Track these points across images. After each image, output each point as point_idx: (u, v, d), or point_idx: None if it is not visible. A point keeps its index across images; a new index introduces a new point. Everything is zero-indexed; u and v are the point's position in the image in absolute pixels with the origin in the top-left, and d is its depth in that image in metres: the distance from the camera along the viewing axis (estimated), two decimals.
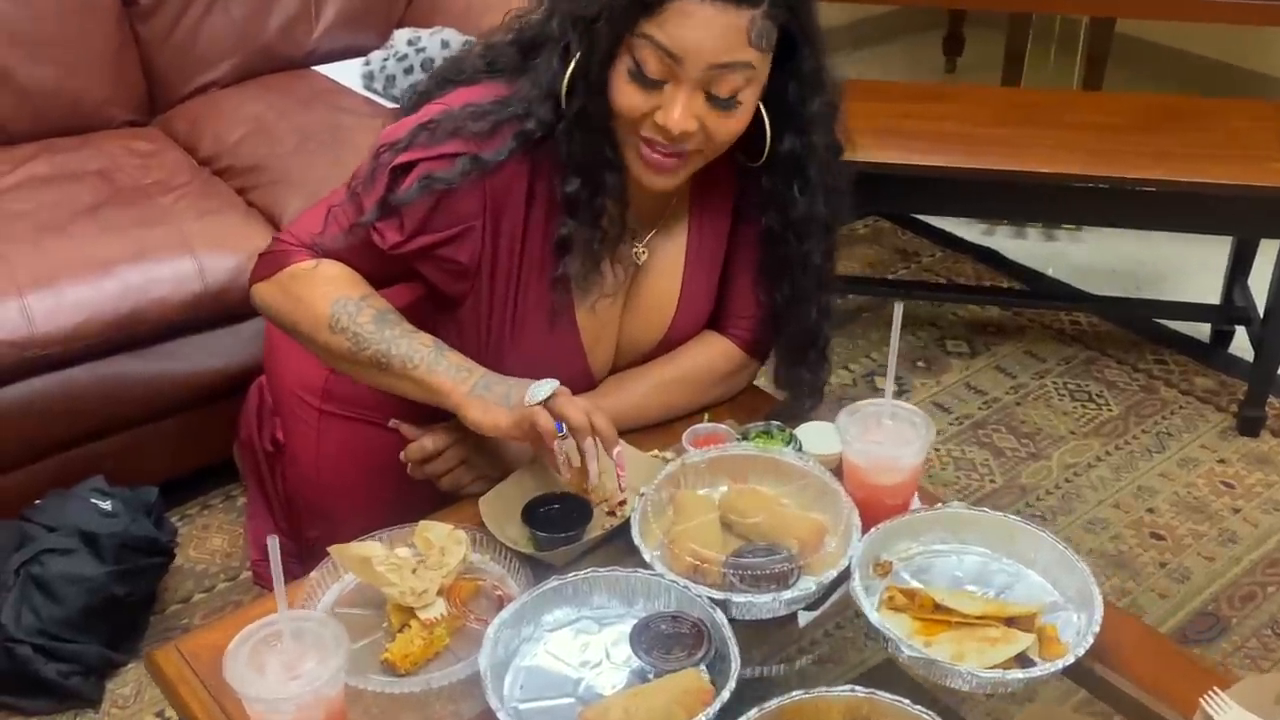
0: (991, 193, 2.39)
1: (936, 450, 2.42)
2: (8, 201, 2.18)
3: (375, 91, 2.58)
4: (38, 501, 1.97)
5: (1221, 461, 2.39)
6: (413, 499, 1.49)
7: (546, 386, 1.29)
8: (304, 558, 1.93)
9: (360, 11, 2.78)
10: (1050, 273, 3.07)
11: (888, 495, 1.34)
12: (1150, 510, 2.27)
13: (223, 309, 2.11)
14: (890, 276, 3.03)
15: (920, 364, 2.69)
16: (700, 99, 1.27)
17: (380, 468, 1.60)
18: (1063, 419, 2.51)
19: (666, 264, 1.50)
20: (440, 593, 1.23)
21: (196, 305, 2.08)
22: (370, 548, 1.25)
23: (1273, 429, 2.46)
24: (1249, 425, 2.44)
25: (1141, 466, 2.38)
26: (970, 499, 2.30)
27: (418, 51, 2.54)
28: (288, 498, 1.91)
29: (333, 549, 1.27)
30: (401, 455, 1.46)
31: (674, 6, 1.22)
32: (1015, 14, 3.10)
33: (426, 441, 1.44)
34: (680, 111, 1.26)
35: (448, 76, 1.45)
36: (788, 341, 1.54)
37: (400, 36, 2.61)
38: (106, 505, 1.97)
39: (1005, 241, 3.17)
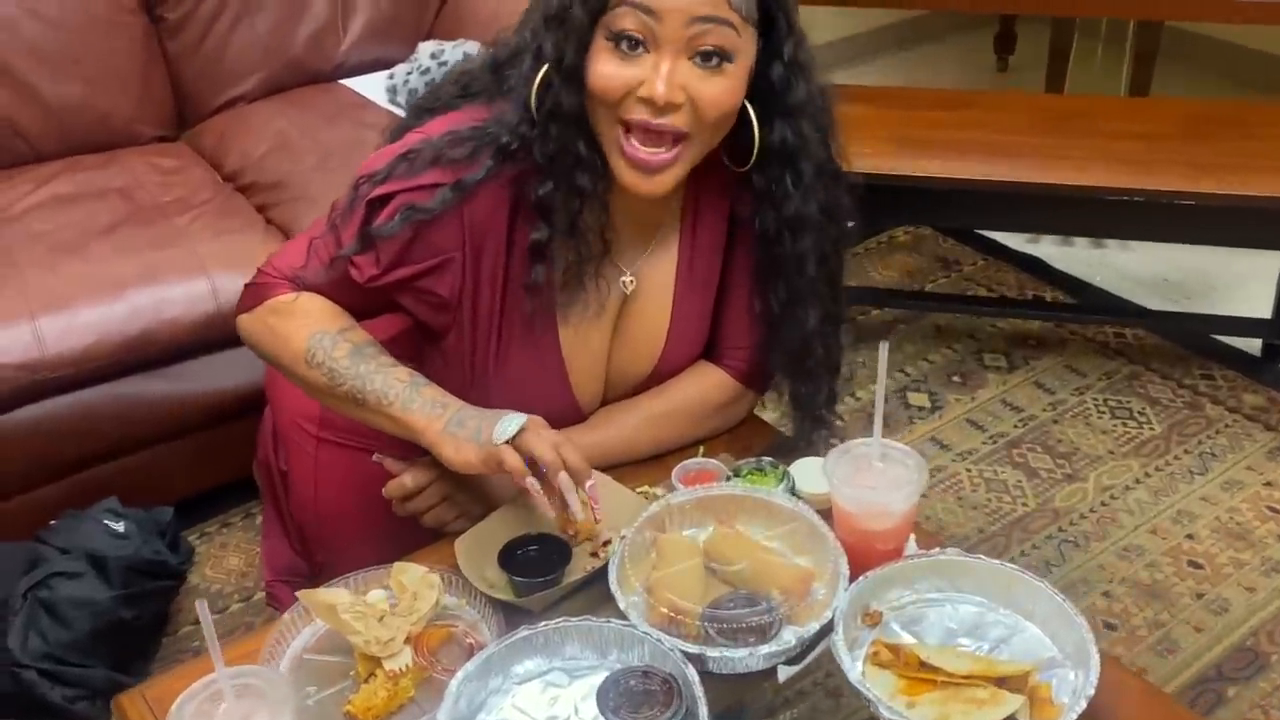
0: (1023, 206, 2.31)
1: (968, 471, 2.35)
2: (29, 221, 2.20)
3: (399, 105, 2.57)
4: (52, 522, 1.98)
5: (1268, 484, 2.28)
6: (412, 527, 1.46)
7: (513, 423, 1.26)
8: (316, 581, 1.92)
9: (388, 23, 2.77)
10: (1098, 282, 2.96)
11: (879, 541, 1.28)
12: (1189, 536, 2.17)
13: (236, 329, 2.10)
14: (928, 287, 2.94)
15: (955, 379, 2.61)
16: (684, 65, 1.22)
17: (378, 496, 1.58)
18: (1101, 438, 2.42)
19: (655, 294, 1.45)
20: (408, 641, 1.20)
21: (209, 326, 2.07)
22: (336, 594, 1.22)
23: None
24: None
25: (1182, 489, 2.28)
26: (1001, 522, 2.22)
27: (440, 65, 2.51)
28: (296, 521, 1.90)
29: (301, 594, 1.24)
30: (384, 492, 1.43)
31: None
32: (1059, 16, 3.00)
33: (406, 479, 1.41)
34: (664, 78, 1.21)
35: (424, 106, 1.42)
36: (785, 352, 1.48)
37: (424, 49, 2.59)
38: (119, 527, 1.97)
39: (1051, 249, 3.07)
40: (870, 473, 1.29)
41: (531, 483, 1.24)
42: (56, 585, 1.85)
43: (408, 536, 1.46)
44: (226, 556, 2.20)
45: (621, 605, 1.21)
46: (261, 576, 2.11)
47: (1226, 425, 2.43)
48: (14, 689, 1.81)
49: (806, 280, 1.42)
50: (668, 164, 1.26)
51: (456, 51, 2.53)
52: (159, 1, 2.56)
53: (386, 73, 2.64)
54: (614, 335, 1.46)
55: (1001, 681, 1.14)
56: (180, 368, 2.08)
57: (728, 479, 1.39)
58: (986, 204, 2.32)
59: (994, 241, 3.10)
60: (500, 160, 1.31)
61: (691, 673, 1.13)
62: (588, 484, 1.27)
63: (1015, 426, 2.46)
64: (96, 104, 2.46)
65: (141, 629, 1.94)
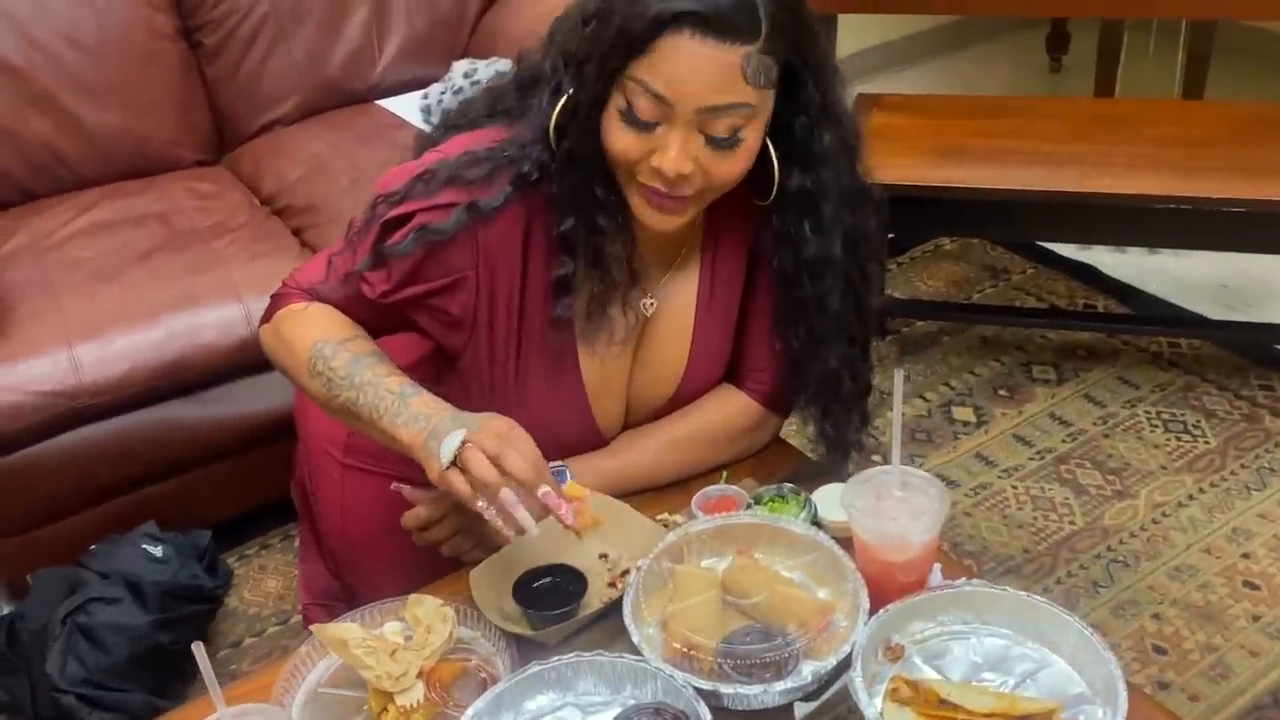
0: (1071, 215, 2.25)
1: (1014, 488, 2.29)
2: (68, 249, 2.23)
3: (432, 125, 2.56)
4: (92, 547, 2.00)
5: None
6: (439, 554, 1.45)
7: (450, 444, 1.18)
8: (353, 603, 1.92)
9: (423, 44, 2.77)
10: (1153, 289, 2.88)
11: (900, 572, 1.24)
12: (1245, 556, 2.10)
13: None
14: (975, 297, 2.88)
15: (1003, 392, 2.55)
16: (697, 139, 1.20)
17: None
18: (1153, 453, 2.35)
19: (676, 316, 1.43)
20: (421, 675, 1.19)
21: (243, 350, 2.08)
22: (348, 629, 1.21)
23: None
24: None
25: (1238, 505, 2.20)
26: (1048, 542, 2.16)
27: (474, 84, 2.51)
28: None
29: (315, 627, 1.23)
30: (401, 522, 1.42)
31: (663, 44, 1.15)
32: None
33: (421, 510, 1.40)
34: (675, 154, 1.19)
35: (452, 122, 1.41)
36: (809, 392, 1.45)
37: (458, 68, 2.59)
38: (157, 551, 1.99)
39: (1103, 256, 2.99)
40: (890, 501, 1.25)
41: (481, 506, 1.19)
42: (94, 611, 1.87)
43: (435, 563, 1.45)
44: (265, 579, 2.21)
45: (635, 639, 1.19)
46: (299, 599, 2.11)
47: None
48: (54, 714, 1.83)
49: (828, 320, 1.40)
50: (681, 207, 1.26)
51: (489, 70, 2.52)
52: (196, 27, 2.59)
53: (421, 93, 2.64)
54: (635, 358, 1.44)
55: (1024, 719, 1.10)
56: (215, 392, 2.10)
57: (748, 507, 1.37)
58: (1034, 215, 2.26)
59: (1045, 249, 3.03)
60: (518, 187, 1.30)
61: (704, 710, 1.10)
62: (540, 491, 1.19)
63: (1063, 441, 2.40)
64: (136, 130, 2.49)
65: (179, 653, 1.94)
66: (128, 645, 1.86)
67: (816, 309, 1.39)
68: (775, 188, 1.30)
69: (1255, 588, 2.04)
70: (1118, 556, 2.11)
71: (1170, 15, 2.93)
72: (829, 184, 1.31)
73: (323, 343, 1.34)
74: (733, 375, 1.50)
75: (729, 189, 1.28)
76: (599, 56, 1.19)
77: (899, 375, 1.20)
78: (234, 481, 2.19)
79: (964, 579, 1.28)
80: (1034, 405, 2.51)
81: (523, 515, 1.18)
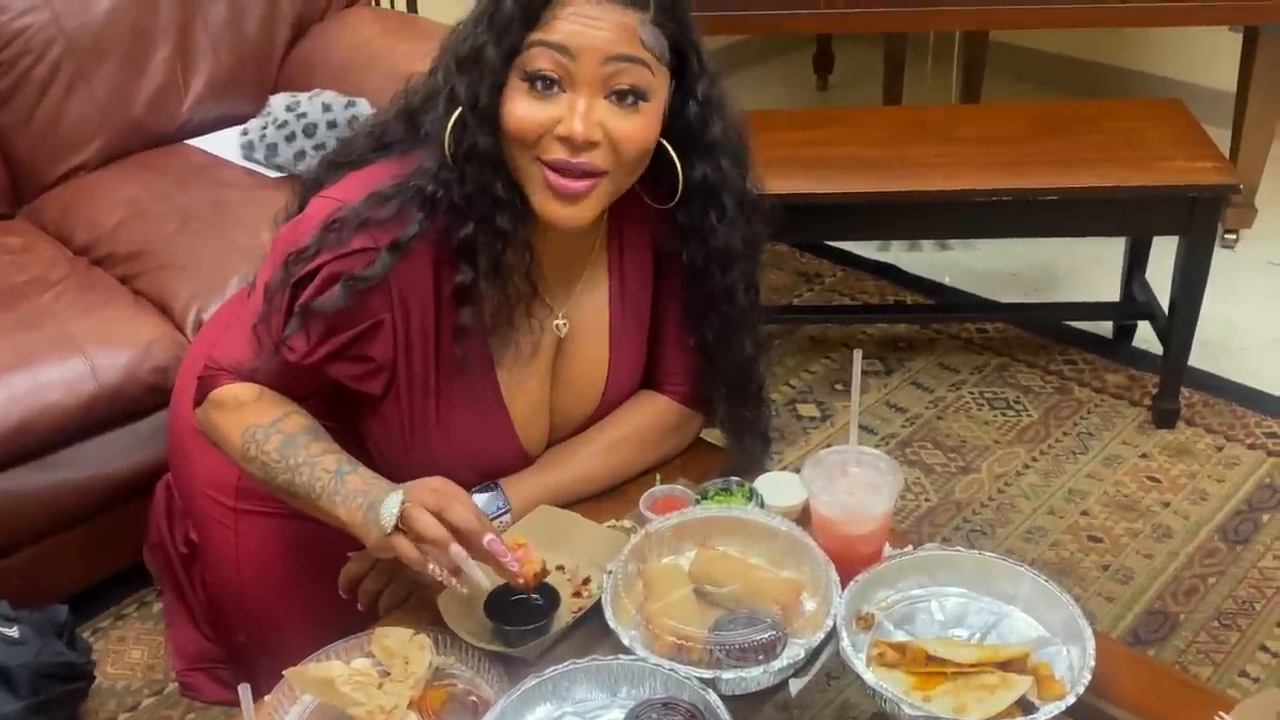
0: (895, 214, 2.39)
1: None
2: None
3: (257, 162, 2.48)
4: None
5: (1144, 456, 2.43)
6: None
7: (390, 508, 1.19)
8: (235, 664, 1.83)
9: (231, 79, 2.67)
10: (948, 281, 3.09)
11: (862, 544, 1.30)
12: (1084, 513, 2.29)
13: (120, 408, 1.99)
14: (795, 301, 3.02)
15: (839, 386, 2.68)
16: (601, 104, 1.23)
17: (306, 561, 1.53)
18: (985, 429, 2.53)
19: (590, 332, 1.45)
20: (411, 705, 1.16)
21: (91, 407, 1.95)
22: (331, 667, 1.17)
23: (1187, 419, 2.51)
24: (1165, 417, 2.49)
25: (1069, 469, 2.40)
26: (910, 519, 2.29)
27: (298, 117, 2.44)
28: (209, 602, 1.81)
29: (289, 673, 1.18)
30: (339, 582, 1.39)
31: (559, 8, 1.19)
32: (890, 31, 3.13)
33: (350, 566, 1.37)
34: (582, 116, 1.21)
35: (336, 160, 1.39)
36: (724, 381, 1.50)
37: (277, 103, 2.51)
38: (13, 632, 1.82)
39: (901, 255, 3.20)
40: (846, 478, 1.31)
41: (433, 569, 1.19)
42: None
43: (341, 601, 1.41)
44: (127, 650, 2.07)
45: (625, 640, 1.20)
46: (171, 667, 1.99)
47: (1096, 405, 2.58)
48: None
49: (738, 309, 1.45)
50: (586, 191, 1.25)
51: (314, 103, 2.46)
52: None
53: (239, 129, 2.54)
54: (554, 378, 1.45)
55: (1005, 665, 1.18)
56: (64, 454, 1.95)
57: (696, 502, 1.40)
58: (861, 217, 2.39)
59: (847, 253, 3.20)
60: (430, 211, 1.28)
61: (714, 699, 1.13)
62: (485, 539, 1.20)
63: (903, 426, 2.55)
64: None
65: None
66: None
67: (726, 298, 1.43)
68: (680, 184, 1.34)
69: (1098, 540, 2.22)
70: (974, 526, 2.26)
71: (949, 28, 3.16)
72: (728, 173, 1.37)
73: (254, 427, 1.31)
74: (649, 383, 1.53)
75: (632, 175, 1.30)
76: (496, 36, 1.21)
77: (857, 356, 1.27)
78: (86, 550, 2.04)
79: (909, 546, 1.36)
80: (870, 396, 2.65)
81: (474, 569, 1.20)
